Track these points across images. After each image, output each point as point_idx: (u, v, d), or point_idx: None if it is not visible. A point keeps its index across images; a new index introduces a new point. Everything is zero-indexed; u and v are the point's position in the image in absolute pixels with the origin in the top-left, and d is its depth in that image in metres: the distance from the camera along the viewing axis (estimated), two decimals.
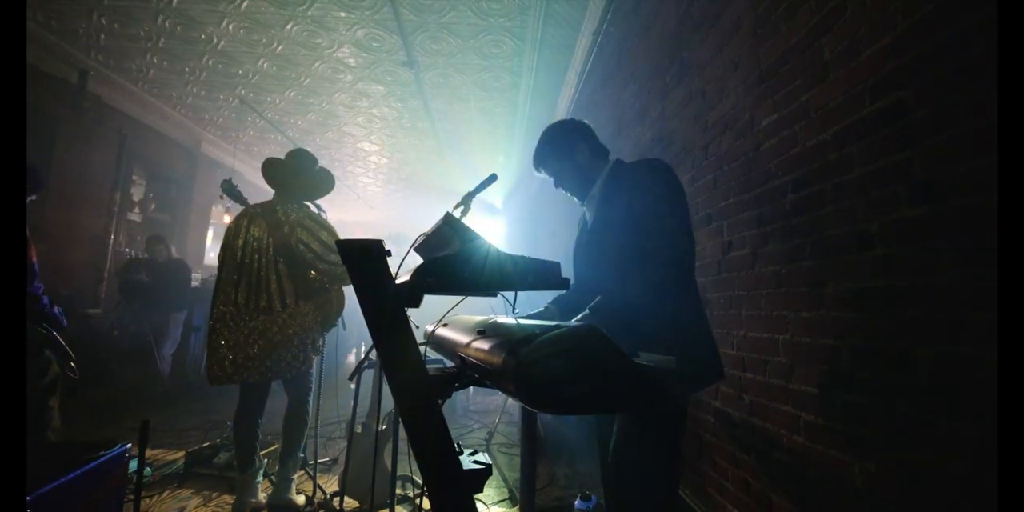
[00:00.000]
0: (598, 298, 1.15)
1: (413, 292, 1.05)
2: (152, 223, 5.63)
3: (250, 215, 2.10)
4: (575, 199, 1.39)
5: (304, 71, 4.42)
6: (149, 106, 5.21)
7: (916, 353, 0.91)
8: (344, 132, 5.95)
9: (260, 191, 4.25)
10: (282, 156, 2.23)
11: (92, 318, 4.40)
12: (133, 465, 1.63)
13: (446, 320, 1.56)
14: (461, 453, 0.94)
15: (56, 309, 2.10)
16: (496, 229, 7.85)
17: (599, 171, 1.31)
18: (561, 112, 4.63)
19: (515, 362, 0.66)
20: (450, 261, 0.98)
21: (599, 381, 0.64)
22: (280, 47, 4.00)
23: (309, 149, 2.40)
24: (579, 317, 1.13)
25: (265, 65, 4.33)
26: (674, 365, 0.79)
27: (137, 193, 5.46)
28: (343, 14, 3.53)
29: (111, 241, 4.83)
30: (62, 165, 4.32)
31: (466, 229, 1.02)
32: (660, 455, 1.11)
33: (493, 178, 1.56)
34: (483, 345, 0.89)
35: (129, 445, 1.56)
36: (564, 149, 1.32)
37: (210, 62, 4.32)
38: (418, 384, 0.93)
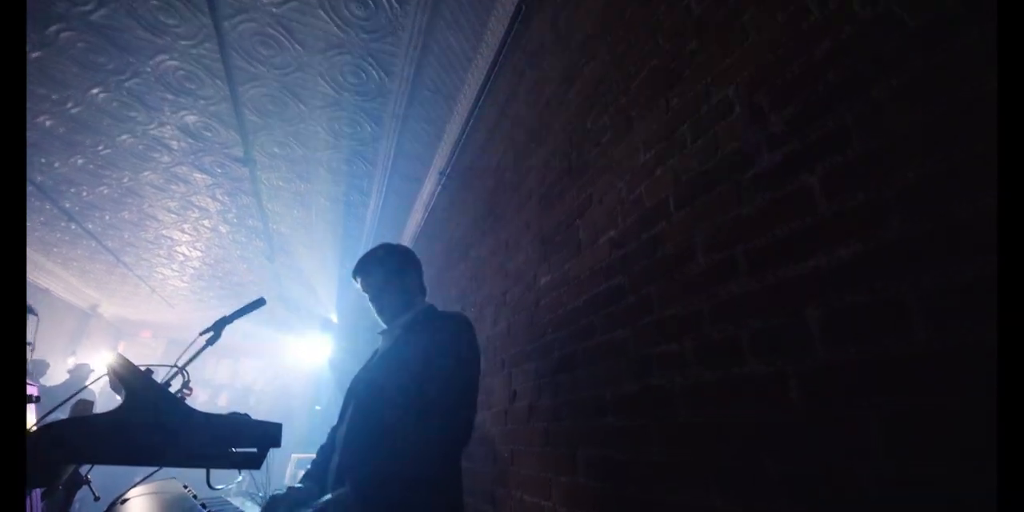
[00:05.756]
0: (361, 470, 1.00)
1: (42, 465, 0.72)
2: None
3: None
4: (380, 321, 1.28)
5: (104, 140, 3.79)
6: None
7: None
8: (146, 214, 5.06)
9: None
10: None
11: None
12: None
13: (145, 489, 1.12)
14: None
15: None
16: (328, 346, 6.94)
17: (415, 305, 1.28)
18: (407, 238, 4.74)
19: None
20: (106, 421, 0.71)
21: None
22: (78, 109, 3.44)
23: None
24: (332, 498, 0.96)
25: (48, 123, 3.61)
26: None
27: None
28: (170, 96, 3.28)
29: None
30: None
31: (139, 376, 0.77)
32: None
33: (259, 303, 1.35)
34: None
35: None
36: (398, 267, 1.28)
37: None
38: None
